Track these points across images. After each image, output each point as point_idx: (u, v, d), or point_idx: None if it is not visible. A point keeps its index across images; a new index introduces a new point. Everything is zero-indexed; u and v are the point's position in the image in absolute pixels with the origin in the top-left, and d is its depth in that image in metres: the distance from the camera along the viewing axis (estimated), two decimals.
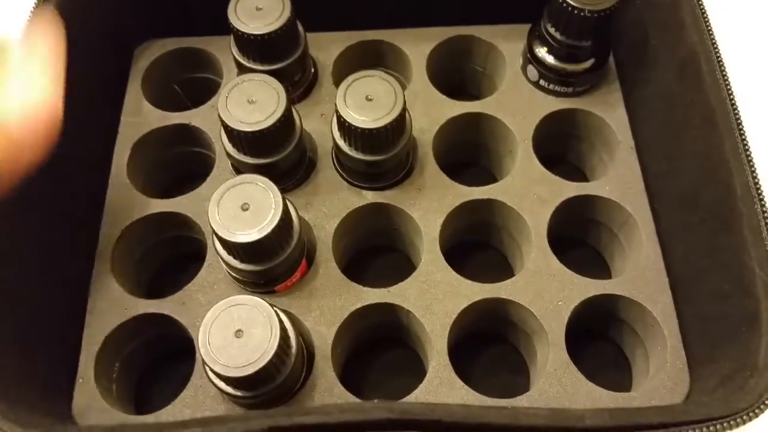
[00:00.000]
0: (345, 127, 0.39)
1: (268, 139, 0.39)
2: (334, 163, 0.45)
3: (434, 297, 0.41)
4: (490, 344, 0.46)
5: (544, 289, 0.41)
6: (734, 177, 0.36)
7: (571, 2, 0.42)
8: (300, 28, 0.45)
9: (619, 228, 0.45)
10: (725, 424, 0.30)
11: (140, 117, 0.47)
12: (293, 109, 0.41)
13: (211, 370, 0.32)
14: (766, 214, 0.35)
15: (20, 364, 0.35)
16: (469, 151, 0.51)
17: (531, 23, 0.48)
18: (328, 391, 0.38)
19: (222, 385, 0.34)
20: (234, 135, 0.39)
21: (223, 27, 0.42)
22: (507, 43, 0.49)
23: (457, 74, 0.53)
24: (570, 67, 0.46)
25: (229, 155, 0.41)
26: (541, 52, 0.47)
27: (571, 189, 0.45)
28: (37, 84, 0.32)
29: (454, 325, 0.40)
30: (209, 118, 0.47)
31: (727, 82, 0.38)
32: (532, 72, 0.48)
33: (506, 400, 0.38)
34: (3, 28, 0.36)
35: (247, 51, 0.43)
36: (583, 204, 0.45)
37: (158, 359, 0.45)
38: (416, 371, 0.42)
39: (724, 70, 0.39)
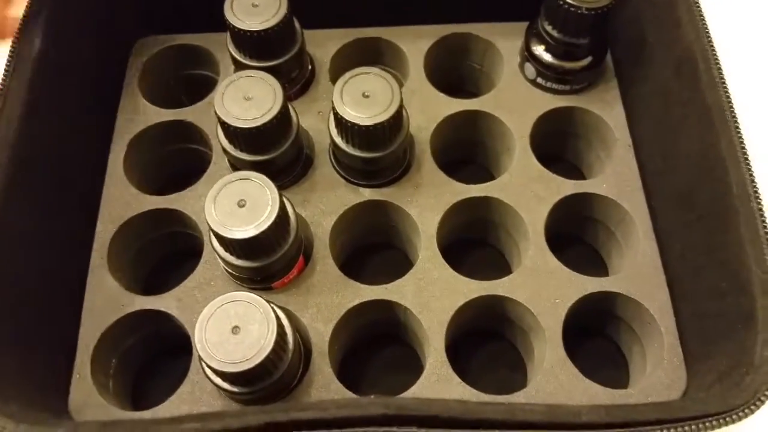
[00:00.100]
0: (342, 124, 0.39)
1: (264, 135, 0.39)
2: (331, 160, 0.45)
3: (431, 294, 0.41)
4: (487, 341, 0.46)
5: (542, 287, 0.41)
6: (730, 175, 0.36)
7: (568, 0, 0.42)
8: (297, 24, 0.45)
9: (616, 226, 0.46)
10: (721, 421, 0.30)
11: (137, 113, 0.47)
12: (290, 106, 0.41)
13: (208, 366, 0.32)
14: (762, 212, 0.35)
15: (17, 360, 0.35)
16: (467, 149, 0.51)
17: (528, 21, 0.48)
18: (325, 387, 0.38)
19: (218, 381, 0.34)
20: (230, 132, 0.39)
21: (220, 23, 0.42)
22: (504, 40, 0.50)
23: (454, 72, 0.53)
24: (567, 64, 0.46)
25: (225, 152, 0.41)
26: (539, 49, 0.47)
27: (569, 187, 0.45)
28: None
29: (452, 322, 0.40)
30: (206, 114, 0.46)
31: (723, 81, 0.38)
32: (530, 70, 0.48)
33: (503, 397, 0.38)
34: None
35: (244, 48, 0.43)
36: (581, 202, 0.45)
37: (156, 355, 0.45)
38: (414, 368, 0.42)
39: (720, 69, 0.39)
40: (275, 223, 0.35)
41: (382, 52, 0.51)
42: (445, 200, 0.44)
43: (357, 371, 0.45)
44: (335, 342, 0.40)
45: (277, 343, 0.32)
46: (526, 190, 0.44)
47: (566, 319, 0.40)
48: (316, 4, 0.47)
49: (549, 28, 0.45)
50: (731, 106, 0.37)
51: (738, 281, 0.35)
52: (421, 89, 0.48)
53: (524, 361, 0.45)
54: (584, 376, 0.39)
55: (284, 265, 0.39)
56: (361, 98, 0.39)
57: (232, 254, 0.37)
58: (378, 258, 0.49)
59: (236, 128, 0.38)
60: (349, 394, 0.38)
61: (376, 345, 0.46)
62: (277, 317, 0.33)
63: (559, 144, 0.51)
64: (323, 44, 0.49)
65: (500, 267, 0.48)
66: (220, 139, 0.41)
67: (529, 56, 0.47)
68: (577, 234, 0.49)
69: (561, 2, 0.42)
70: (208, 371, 0.34)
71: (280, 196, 0.36)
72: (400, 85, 0.49)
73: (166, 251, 0.47)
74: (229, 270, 0.39)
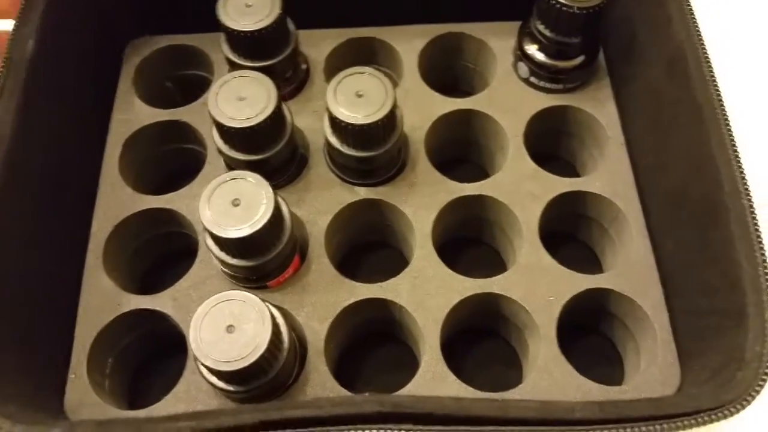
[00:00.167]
0: (336, 123, 0.40)
1: (258, 135, 0.39)
2: (326, 160, 0.45)
3: (426, 292, 0.41)
4: (482, 339, 0.46)
5: (536, 284, 0.41)
6: (721, 172, 0.36)
7: (560, 0, 0.42)
8: (290, 25, 0.45)
9: (610, 223, 0.46)
10: (713, 416, 0.31)
11: (131, 114, 0.47)
12: (284, 106, 0.41)
13: (203, 365, 0.32)
14: (752, 209, 0.35)
15: (14, 359, 0.35)
16: (461, 148, 0.51)
17: (521, 20, 0.48)
18: (321, 385, 0.38)
19: (214, 379, 0.34)
20: (224, 131, 0.39)
21: (215, 23, 0.42)
22: (498, 40, 0.50)
23: (449, 71, 0.53)
24: (560, 63, 0.46)
25: (220, 152, 0.41)
26: (532, 49, 0.47)
27: (562, 185, 0.45)
28: None
29: (447, 320, 0.41)
30: (201, 114, 0.47)
31: (713, 79, 0.39)
32: (523, 69, 0.48)
33: (498, 394, 0.38)
34: None
35: (238, 48, 0.43)
36: (574, 200, 0.45)
37: (152, 354, 0.45)
38: (409, 366, 0.42)
39: (710, 66, 0.39)
40: (270, 222, 0.35)
41: (376, 52, 0.51)
42: (439, 199, 0.44)
43: (353, 369, 0.45)
44: (331, 340, 0.40)
45: (272, 341, 0.33)
46: (520, 188, 0.45)
47: (561, 317, 0.41)
48: (310, 4, 0.47)
49: (541, 27, 0.45)
50: (722, 104, 0.38)
51: (729, 278, 0.35)
52: (415, 88, 0.48)
53: (519, 358, 0.45)
54: (579, 372, 0.39)
55: (279, 264, 0.39)
56: (355, 98, 0.39)
57: (227, 253, 0.37)
58: (374, 257, 0.49)
59: (230, 128, 0.38)
60: (345, 392, 0.38)
61: (372, 343, 0.46)
62: (272, 316, 0.34)
63: (553, 142, 0.51)
64: (318, 44, 0.49)
65: (495, 265, 0.48)
66: (214, 139, 0.41)
67: (522, 55, 0.47)
68: (571, 232, 0.49)
69: (553, 2, 0.42)
70: (203, 370, 0.34)
71: (275, 195, 0.36)
72: (395, 84, 0.49)
73: (162, 251, 0.47)
74: (225, 269, 0.39)
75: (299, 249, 0.41)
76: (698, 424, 0.30)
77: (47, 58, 0.40)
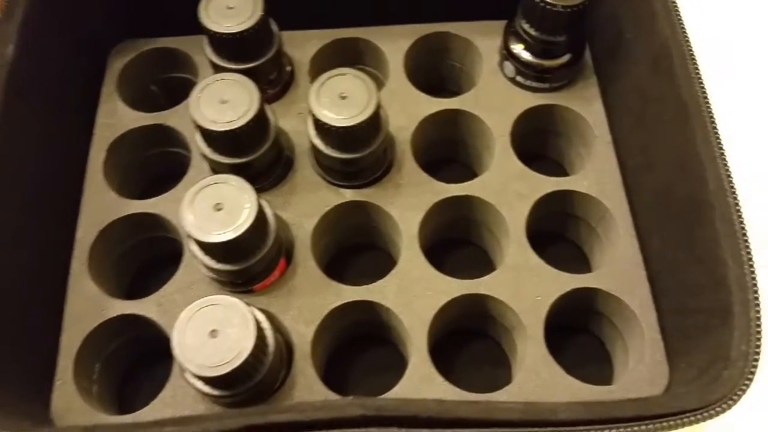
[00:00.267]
0: (319, 125, 0.39)
1: (241, 138, 0.38)
2: (311, 162, 0.45)
3: (413, 294, 0.41)
4: (471, 339, 0.46)
5: (523, 285, 0.41)
6: (707, 170, 0.36)
7: None
8: (274, 26, 0.44)
9: (597, 222, 0.46)
10: (699, 416, 0.30)
11: (115, 118, 0.47)
12: (267, 108, 0.41)
13: (187, 370, 0.32)
14: (738, 207, 0.35)
15: None
16: (449, 148, 0.51)
17: (507, 19, 0.48)
18: (308, 389, 0.38)
19: (199, 384, 0.34)
20: (207, 135, 0.38)
21: (198, 26, 0.42)
22: (484, 39, 0.50)
23: (435, 71, 0.53)
24: (546, 62, 0.46)
25: (204, 155, 0.41)
26: (517, 48, 0.47)
27: (549, 184, 0.45)
28: None
29: (434, 322, 0.40)
30: (185, 118, 0.46)
31: (699, 76, 0.38)
32: (509, 68, 0.48)
33: (485, 395, 0.38)
34: None
35: (220, 50, 0.43)
36: (562, 199, 0.45)
37: (141, 359, 0.45)
38: (398, 368, 0.42)
39: (696, 64, 0.39)
40: (253, 226, 0.35)
41: (361, 53, 0.51)
42: (426, 200, 0.44)
43: (341, 372, 0.45)
44: (318, 343, 0.40)
45: (256, 346, 0.32)
46: (507, 188, 0.44)
47: (548, 316, 0.41)
48: (294, 5, 0.46)
49: (527, 26, 0.45)
50: (707, 101, 0.38)
51: (715, 276, 0.35)
52: (401, 89, 0.48)
53: (508, 358, 0.45)
54: (569, 372, 0.39)
55: (264, 267, 0.39)
56: (338, 99, 0.39)
57: (211, 258, 0.37)
58: (362, 259, 0.49)
59: (212, 131, 0.38)
60: (333, 396, 0.38)
61: (361, 346, 0.46)
62: (257, 320, 0.33)
63: (540, 142, 0.51)
64: (302, 45, 0.49)
65: (484, 265, 0.48)
66: (197, 143, 0.41)
67: (507, 55, 0.47)
68: (559, 231, 0.49)
69: (538, 0, 0.42)
70: (188, 375, 0.34)
71: (258, 198, 0.36)
72: (380, 85, 0.49)
73: (147, 255, 0.47)
74: (210, 274, 0.39)
75: (285, 252, 0.41)
76: (684, 425, 0.30)
77: (28, 62, 0.40)
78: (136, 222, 0.44)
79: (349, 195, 0.44)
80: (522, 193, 0.44)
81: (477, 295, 0.41)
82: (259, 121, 0.39)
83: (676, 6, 0.41)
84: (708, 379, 0.33)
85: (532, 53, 0.46)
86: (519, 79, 0.48)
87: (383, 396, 0.38)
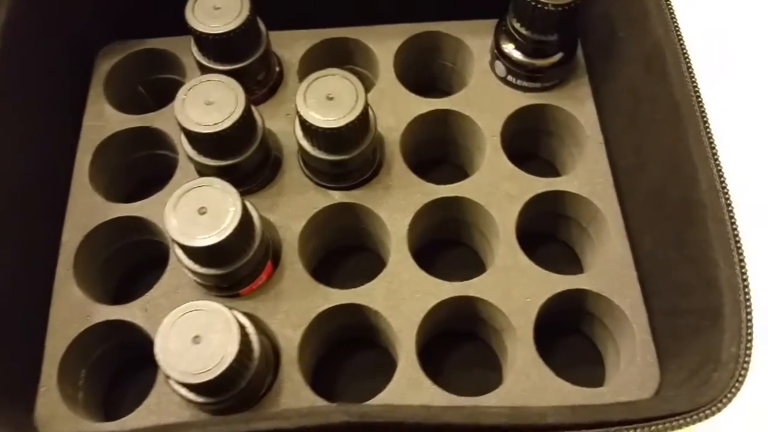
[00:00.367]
0: (307, 127, 0.39)
1: (227, 140, 0.38)
2: (299, 163, 0.44)
3: (402, 296, 0.41)
4: (463, 341, 0.46)
5: (512, 286, 0.41)
6: (699, 170, 0.36)
7: None
8: (261, 26, 0.44)
9: (588, 223, 0.45)
10: (689, 419, 0.30)
11: (102, 120, 0.46)
12: (254, 110, 0.40)
13: (170, 376, 0.32)
14: (730, 208, 0.35)
15: None
16: (440, 148, 0.51)
17: (498, 18, 0.47)
18: (295, 395, 0.38)
19: (183, 391, 0.33)
20: (192, 137, 0.38)
21: (186, 26, 0.41)
22: (475, 38, 0.49)
23: (426, 71, 0.53)
24: (537, 62, 0.46)
25: (189, 158, 0.40)
26: (508, 47, 0.46)
27: (540, 185, 0.44)
28: None
29: (423, 324, 0.40)
30: (172, 120, 0.45)
31: (692, 75, 0.38)
32: (500, 68, 0.47)
33: (474, 399, 0.38)
34: None
35: (207, 51, 0.42)
36: (553, 200, 0.45)
37: (127, 364, 0.44)
38: (388, 371, 0.41)
39: (689, 64, 0.38)
40: (237, 230, 0.34)
41: (351, 53, 0.50)
42: (415, 201, 0.43)
43: (329, 377, 0.44)
44: (306, 348, 0.40)
45: (240, 352, 0.32)
46: (497, 189, 0.44)
47: (538, 318, 0.40)
48: (283, 5, 0.46)
49: (518, 25, 0.45)
50: (700, 102, 0.37)
51: (706, 277, 0.34)
52: (390, 89, 0.48)
53: (499, 360, 0.45)
54: (560, 373, 0.39)
55: (251, 271, 0.38)
56: (325, 100, 0.39)
57: (195, 262, 0.36)
58: (351, 261, 0.48)
59: (197, 134, 0.37)
60: (320, 401, 0.38)
61: (349, 349, 0.45)
62: (241, 325, 0.33)
63: (532, 142, 0.51)
64: (291, 45, 0.49)
65: (475, 266, 0.48)
66: (183, 145, 0.40)
67: (498, 54, 0.47)
68: (551, 232, 0.49)
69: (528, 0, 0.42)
70: (172, 382, 0.34)
71: (243, 201, 0.35)
72: (370, 85, 0.49)
73: (134, 259, 0.47)
74: (195, 278, 0.38)
75: (272, 255, 0.40)
76: (673, 428, 0.30)
77: (13, 62, 0.40)
78: (122, 225, 0.43)
79: (337, 197, 0.43)
80: (512, 194, 0.44)
81: (466, 297, 0.41)
82: (245, 122, 0.38)
83: (670, 5, 0.40)
84: (698, 382, 0.33)
85: (524, 53, 0.46)
86: (510, 78, 0.47)
87: (369, 402, 0.37)
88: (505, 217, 0.43)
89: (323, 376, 0.43)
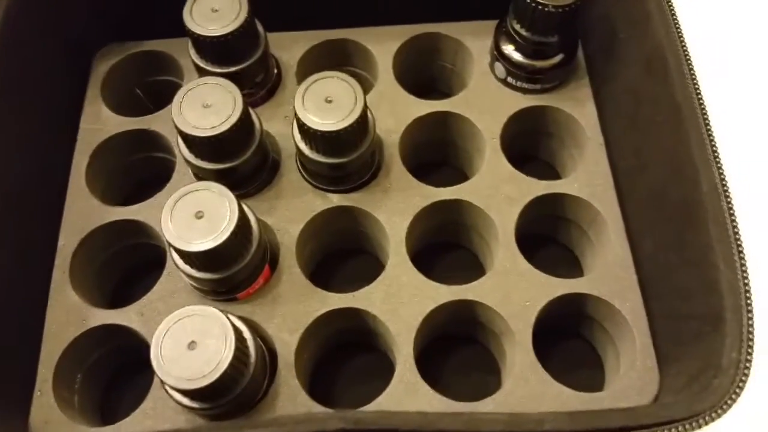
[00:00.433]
0: (305, 130, 0.39)
1: (225, 143, 0.38)
2: (297, 166, 0.44)
3: (400, 300, 0.40)
4: (461, 345, 0.46)
5: (512, 290, 0.41)
6: (700, 172, 0.35)
7: None
8: (259, 28, 0.44)
9: (589, 225, 0.45)
10: (687, 426, 0.30)
11: (99, 123, 0.46)
12: (252, 112, 0.40)
13: (165, 382, 0.32)
14: (732, 211, 0.34)
15: None
16: (440, 151, 0.50)
17: (498, 20, 0.47)
18: (291, 400, 0.37)
19: (178, 396, 0.33)
20: (189, 140, 0.38)
21: (183, 28, 0.41)
22: (475, 40, 0.49)
23: (425, 72, 0.52)
24: (538, 63, 0.45)
25: (187, 161, 0.40)
26: (508, 49, 0.46)
27: (540, 187, 0.44)
28: None
29: (422, 328, 0.40)
30: (170, 122, 0.45)
31: (693, 77, 0.38)
32: (500, 69, 0.47)
33: (472, 404, 0.37)
34: None
35: (205, 53, 0.42)
36: (552, 202, 0.45)
37: (124, 368, 0.44)
38: (386, 375, 0.41)
39: (691, 65, 0.38)
40: (234, 234, 0.34)
41: (350, 54, 0.50)
42: (414, 204, 0.43)
43: (327, 381, 0.44)
44: (303, 352, 0.40)
45: (236, 357, 0.32)
46: (497, 192, 0.44)
47: (538, 322, 0.40)
48: (281, 6, 0.46)
49: (518, 26, 0.44)
50: (702, 103, 0.37)
51: (707, 281, 0.34)
52: (390, 91, 0.47)
53: (498, 364, 0.45)
54: (560, 377, 0.38)
55: (248, 275, 0.38)
56: (324, 103, 0.38)
57: (192, 267, 0.36)
58: (350, 264, 0.48)
59: (195, 137, 0.37)
60: (317, 406, 0.37)
61: (347, 353, 0.45)
62: (237, 330, 0.33)
63: (533, 144, 0.50)
64: (289, 47, 0.48)
65: (474, 269, 0.47)
66: (180, 149, 0.40)
67: (498, 56, 0.47)
68: (551, 234, 0.49)
69: (529, 1, 0.41)
70: (168, 387, 0.33)
71: (240, 205, 0.35)
72: (369, 87, 0.48)
73: (131, 262, 0.46)
74: (192, 282, 0.38)
75: (270, 259, 0.40)
76: None
77: (9, 64, 0.40)
78: (119, 229, 0.43)
79: (335, 200, 0.43)
80: (512, 197, 0.44)
81: (465, 301, 0.41)
82: (243, 125, 0.38)
83: (672, 6, 0.40)
84: (698, 388, 0.32)
85: (524, 54, 0.45)
86: (510, 80, 0.47)
87: (366, 407, 0.37)
88: (505, 220, 0.43)
89: (320, 380, 0.43)
